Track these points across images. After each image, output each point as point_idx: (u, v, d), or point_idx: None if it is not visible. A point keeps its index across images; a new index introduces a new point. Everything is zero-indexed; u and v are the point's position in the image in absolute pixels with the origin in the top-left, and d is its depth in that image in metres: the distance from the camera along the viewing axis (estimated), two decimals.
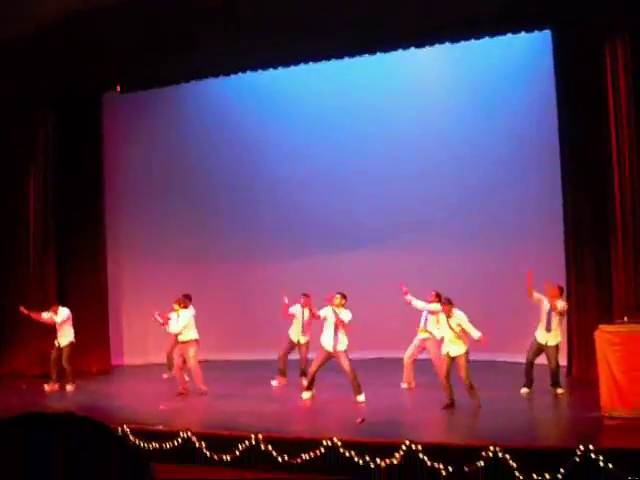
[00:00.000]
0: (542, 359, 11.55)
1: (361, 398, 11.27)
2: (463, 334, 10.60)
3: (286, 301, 12.88)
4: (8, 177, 15.51)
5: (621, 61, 11.40)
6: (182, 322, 12.55)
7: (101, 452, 1.03)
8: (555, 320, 11.37)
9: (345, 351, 11.47)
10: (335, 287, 11.99)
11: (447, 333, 10.74)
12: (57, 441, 1.02)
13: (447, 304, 10.79)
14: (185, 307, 12.73)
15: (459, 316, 10.66)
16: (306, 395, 11.70)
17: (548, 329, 11.37)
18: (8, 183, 15.51)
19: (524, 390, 11.50)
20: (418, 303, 12.31)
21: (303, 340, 13.24)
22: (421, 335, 12.39)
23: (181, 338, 12.59)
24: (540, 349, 11.49)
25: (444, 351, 10.76)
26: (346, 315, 11.54)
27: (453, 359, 10.62)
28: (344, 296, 11.66)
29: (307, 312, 12.79)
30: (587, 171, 12.41)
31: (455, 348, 10.60)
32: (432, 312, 11.98)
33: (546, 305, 11.41)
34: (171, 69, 14.87)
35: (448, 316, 10.72)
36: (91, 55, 13.94)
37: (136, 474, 1.05)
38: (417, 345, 12.49)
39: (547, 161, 13.54)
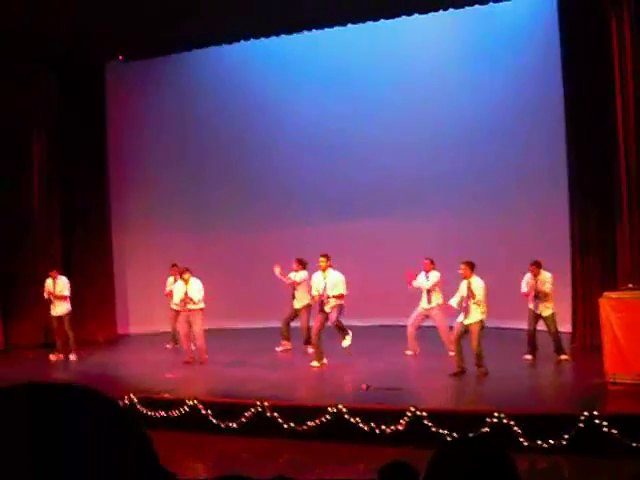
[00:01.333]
0: (542, 327, 11.65)
1: (314, 363, 11.64)
2: (479, 302, 10.57)
3: (277, 272, 13.16)
4: (11, 145, 15.41)
5: (626, 22, 11.26)
6: (200, 289, 12.63)
7: (102, 424, 1.03)
8: (542, 295, 11.50)
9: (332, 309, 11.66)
10: (338, 255, 12.04)
11: (467, 300, 10.65)
12: (65, 411, 1.02)
13: (469, 266, 10.74)
14: (192, 275, 12.79)
15: (478, 283, 10.64)
16: (315, 364, 11.76)
17: (537, 304, 11.53)
18: (11, 151, 15.42)
19: (527, 357, 11.57)
20: (422, 283, 12.40)
21: (297, 305, 13.34)
22: (424, 305, 12.45)
23: (189, 306, 12.61)
24: (537, 317, 11.59)
25: (459, 318, 10.76)
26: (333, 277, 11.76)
27: (467, 327, 10.62)
28: (324, 256, 11.82)
29: (299, 277, 13.17)
30: (593, 138, 12.33)
31: (471, 316, 10.60)
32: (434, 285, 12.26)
33: (531, 282, 11.57)
34: (176, 37, 14.70)
35: (468, 278, 10.69)
36: (93, 22, 13.78)
37: (136, 446, 1.06)
38: (420, 313, 12.53)
39: (552, 127, 13.46)
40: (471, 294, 10.55)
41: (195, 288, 12.62)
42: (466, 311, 10.62)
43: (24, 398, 1.02)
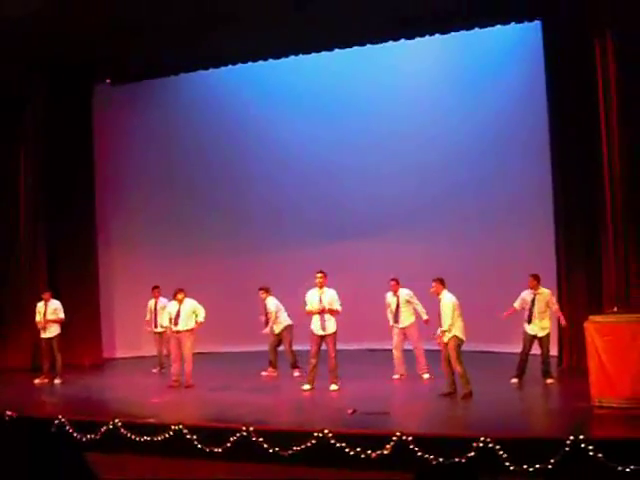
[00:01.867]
0: (534, 349, 11.64)
1: (333, 387, 11.50)
2: (452, 318, 10.60)
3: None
4: None
5: (610, 50, 11.39)
6: (197, 306, 12.65)
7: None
8: (539, 313, 11.49)
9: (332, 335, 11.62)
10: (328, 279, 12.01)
11: (443, 317, 10.75)
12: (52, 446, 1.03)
13: (440, 283, 10.81)
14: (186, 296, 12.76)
15: (446, 299, 10.70)
16: (307, 387, 11.66)
17: (529, 321, 11.52)
18: None
19: (514, 380, 11.56)
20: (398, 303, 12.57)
21: (277, 330, 13.32)
22: (399, 325, 12.52)
23: (180, 327, 12.55)
24: (533, 338, 11.58)
25: (445, 338, 10.78)
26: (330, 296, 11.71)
27: (446, 344, 10.66)
28: (321, 272, 11.79)
29: (271, 304, 13.33)
30: (577, 161, 12.45)
31: (448, 333, 10.62)
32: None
33: (528, 299, 11.58)
34: (160, 62, 14.82)
35: (438, 295, 10.75)
36: (80, 46, 13.84)
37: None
38: (398, 334, 12.54)
39: (537, 152, 13.56)
40: (441, 310, 10.67)
41: (198, 307, 12.63)
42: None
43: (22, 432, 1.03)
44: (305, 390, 11.58)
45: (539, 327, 11.53)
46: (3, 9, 12.21)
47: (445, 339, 10.62)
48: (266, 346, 13.58)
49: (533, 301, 11.55)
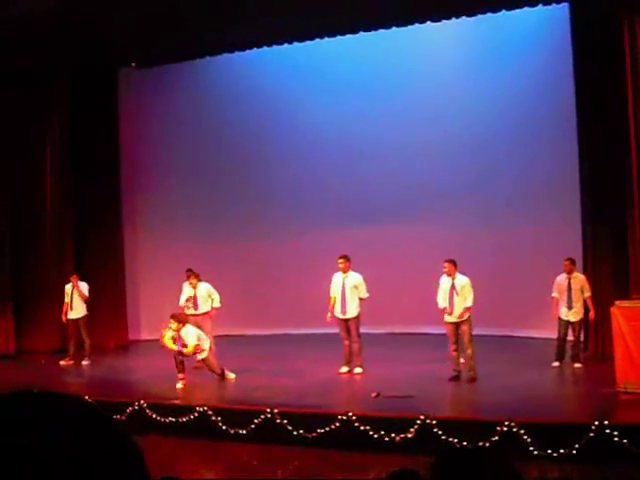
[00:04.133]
0: (554, 333, 11.62)
1: (357, 370, 11.48)
2: (464, 299, 10.61)
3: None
4: (25, 153, 15.50)
5: (639, 33, 11.26)
6: (212, 291, 12.66)
7: (93, 436, 1.02)
8: (576, 297, 11.44)
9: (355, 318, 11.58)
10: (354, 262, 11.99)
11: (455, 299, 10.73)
12: (60, 422, 1.01)
13: (453, 265, 10.78)
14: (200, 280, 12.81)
15: (464, 280, 10.68)
16: (344, 369, 11.68)
17: (570, 306, 11.45)
18: (25, 159, 15.50)
19: (555, 364, 11.55)
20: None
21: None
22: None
23: (199, 311, 12.62)
24: (567, 324, 11.55)
25: (446, 319, 10.78)
26: (354, 279, 11.62)
27: (457, 325, 10.64)
28: (343, 257, 11.68)
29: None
30: (605, 146, 12.30)
31: (460, 313, 10.62)
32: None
33: (563, 284, 11.49)
34: (186, 45, 14.79)
35: (453, 277, 10.73)
36: (106, 29, 13.85)
37: (127, 460, 1.04)
38: None
39: (565, 137, 13.42)
40: (456, 291, 10.64)
41: (213, 292, 12.71)
42: (452, 309, 10.68)
43: (21, 406, 1.02)
44: (342, 372, 11.61)
45: (572, 312, 11.47)
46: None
47: (458, 320, 10.61)
48: (293, 329, 13.52)
49: (569, 285, 11.48)
